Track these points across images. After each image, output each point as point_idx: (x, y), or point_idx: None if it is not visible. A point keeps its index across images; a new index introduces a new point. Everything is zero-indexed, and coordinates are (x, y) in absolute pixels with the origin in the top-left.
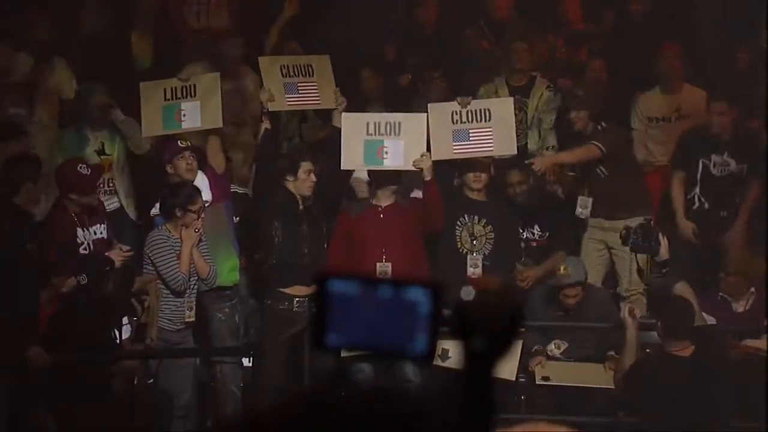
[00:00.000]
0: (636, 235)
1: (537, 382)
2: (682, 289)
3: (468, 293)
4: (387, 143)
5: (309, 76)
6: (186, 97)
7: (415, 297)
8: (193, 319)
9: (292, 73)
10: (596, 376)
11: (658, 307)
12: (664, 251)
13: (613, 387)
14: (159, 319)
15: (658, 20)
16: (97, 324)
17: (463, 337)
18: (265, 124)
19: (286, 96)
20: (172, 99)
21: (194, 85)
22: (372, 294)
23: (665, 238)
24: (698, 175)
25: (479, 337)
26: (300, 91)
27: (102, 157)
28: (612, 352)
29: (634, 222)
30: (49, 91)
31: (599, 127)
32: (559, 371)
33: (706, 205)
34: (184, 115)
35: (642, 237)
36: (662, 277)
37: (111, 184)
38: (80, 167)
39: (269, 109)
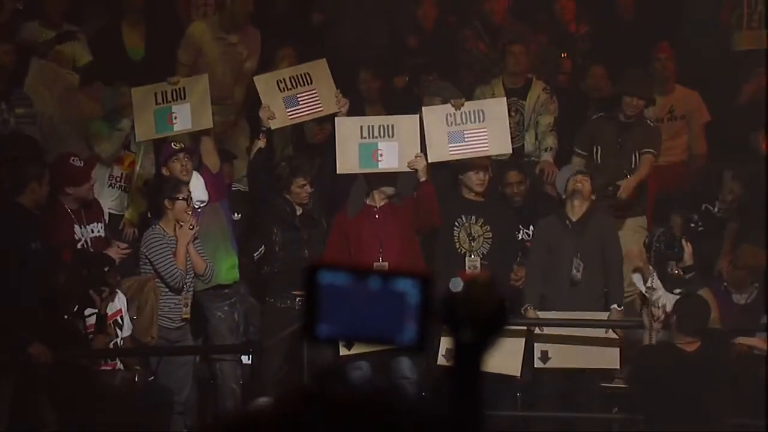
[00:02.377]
0: (659, 242)
1: (535, 365)
2: (705, 295)
3: (456, 285)
4: (381, 146)
5: (308, 84)
6: (176, 99)
7: (405, 288)
8: (188, 316)
9: (290, 86)
10: (599, 355)
11: (678, 300)
12: (688, 257)
13: (617, 367)
14: (159, 317)
15: (651, 21)
16: (55, 316)
17: (452, 328)
18: (261, 143)
19: (287, 110)
20: (163, 102)
21: (184, 88)
22: (362, 285)
23: (689, 244)
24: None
25: (467, 327)
26: (301, 102)
27: (125, 152)
28: (615, 306)
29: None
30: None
31: (650, 123)
32: (559, 347)
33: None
34: (175, 118)
35: (665, 244)
36: (687, 283)
37: (125, 182)
38: (73, 160)
39: (271, 128)
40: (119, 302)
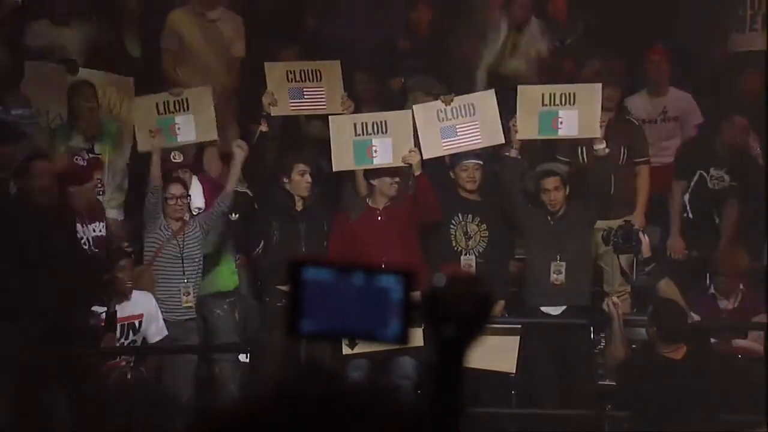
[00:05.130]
0: (616, 237)
1: None
2: (666, 286)
3: (439, 280)
4: (375, 142)
5: (317, 81)
6: (179, 110)
7: (388, 284)
8: (190, 303)
9: (298, 78)
10: None
11: (652, 311)
12: (645, 249)
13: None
14: (162, 311)
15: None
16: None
17: (434, 323)
18: (262, 127)
19: (290, 101)
20: (165, 113)
21: (186, 99)
22: (346, 281)
23: (646, 236)
24: (692, 183)
25: (449, 323)
26: (305, 96)
27: (90, 155)
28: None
29: (615, 223)
30: None
31: (634, 121)
32: None
33: (691, 215)
34: (179, 129)
35: (622, 237)
36: (646, 276)
37: (100, 185)
38: (76, 158)
39: (271, 114)
40: (140, 306)
